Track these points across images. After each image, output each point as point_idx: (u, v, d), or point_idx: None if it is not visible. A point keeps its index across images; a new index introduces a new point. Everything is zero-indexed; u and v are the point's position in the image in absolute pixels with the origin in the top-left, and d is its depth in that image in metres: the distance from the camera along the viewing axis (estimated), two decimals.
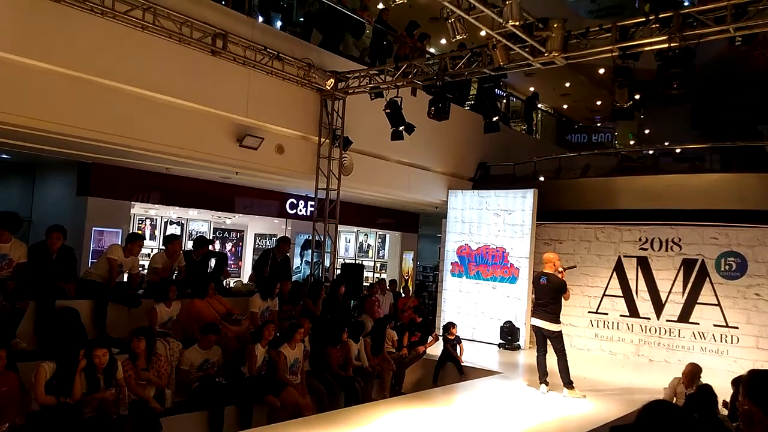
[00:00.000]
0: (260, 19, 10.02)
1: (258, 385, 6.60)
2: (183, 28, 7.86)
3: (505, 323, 11.25)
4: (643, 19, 7.03)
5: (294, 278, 11.10)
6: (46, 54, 6.83)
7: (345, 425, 5.79)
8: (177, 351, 6.61)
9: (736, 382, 5.72)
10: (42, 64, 6.83)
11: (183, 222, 13.06)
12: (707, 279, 10.18)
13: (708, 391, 5.29)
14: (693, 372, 6.83)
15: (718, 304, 10.04)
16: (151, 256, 8.93)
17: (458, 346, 9.34)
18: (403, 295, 12.09)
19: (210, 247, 9.07)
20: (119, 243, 8.80)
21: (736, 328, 9.83)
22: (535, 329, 7.71)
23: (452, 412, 6.70)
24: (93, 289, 6.91)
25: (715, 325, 10.05)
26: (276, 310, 8.12)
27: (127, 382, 5.70)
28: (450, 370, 9.12)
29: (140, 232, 11.70)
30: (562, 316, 7.69)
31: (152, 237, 12.46)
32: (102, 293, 6.90)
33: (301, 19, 11.60)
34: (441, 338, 9.65)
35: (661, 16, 6.84)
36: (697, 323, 10.22)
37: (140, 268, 8.06)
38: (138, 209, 11.65)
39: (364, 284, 12.83)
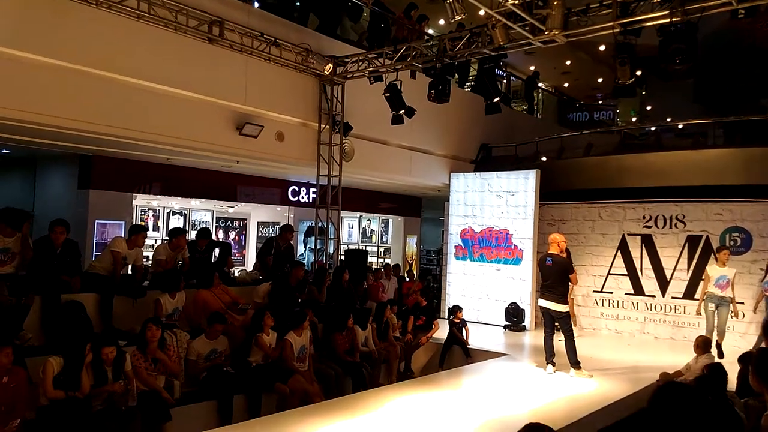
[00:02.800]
0: (256, 4, 9.90)
1: (266, 373, 6.63)
2: (178, 17, 7.77)
3: (510, 305, 11.26)
4: None
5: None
6: (41, 46, 6.76)
7: (353, 411, 5.81)
8: (184, 342, 6.64)
9: (743, 359, 5.72)
10: (37, 56, 6.76)
11: (185, 212, 13.06)
12: (712, 255, 10.14)
13: (719, 370, 5.28)
14: (703, 342, 6.88)
15: None
16: (155, 247, 8.92)
17: (464, 328, 9.36)
18: (407, 279, 12.08)
19: (213, 237, 9.02)
20: (122, 235, 8.79)
21: (742, 303, 9.77)
22: (543, 310, 7.71)
23: (459, 394, 6.73)
24: (98, 283, 6.90)
25: None
26: None
27: (137, 372, 5.72)
28: (456, 353, 9.13)
29: (143, 223, 11.70)
30: None
31: (155, 228, 12.47)
32: (107, 286, 6.89)
33: (298, 4, 11.46)
34: (447, 321, 9.65)
35: None
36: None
37: (144, 260, 8.05)
38: (140, 200, 11.64)
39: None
